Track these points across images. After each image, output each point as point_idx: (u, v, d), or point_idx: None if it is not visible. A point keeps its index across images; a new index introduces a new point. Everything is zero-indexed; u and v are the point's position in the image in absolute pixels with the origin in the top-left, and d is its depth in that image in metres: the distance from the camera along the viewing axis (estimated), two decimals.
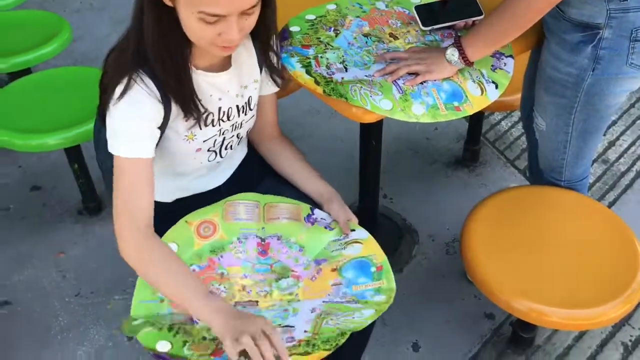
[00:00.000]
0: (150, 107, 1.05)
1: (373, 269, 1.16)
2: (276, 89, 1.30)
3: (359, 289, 1.13)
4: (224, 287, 1.13)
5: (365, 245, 1.20)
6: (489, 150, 2.34)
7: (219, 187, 1.34)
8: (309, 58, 1.31)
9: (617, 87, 1.29)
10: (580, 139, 1.41)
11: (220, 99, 1.16)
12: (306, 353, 0.99)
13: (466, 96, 1.23)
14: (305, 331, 1.03)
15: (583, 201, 1.48)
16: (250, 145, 1.45)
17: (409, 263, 1.92)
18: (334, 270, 1.17)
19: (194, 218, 1.22)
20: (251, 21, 1.03)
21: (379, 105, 1.19)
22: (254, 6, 1.00)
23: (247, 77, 1.20)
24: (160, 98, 1.05)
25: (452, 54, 1.24)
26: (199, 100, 1.11)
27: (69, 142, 1.75)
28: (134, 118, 1.04)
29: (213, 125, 1.18)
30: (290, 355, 0.97)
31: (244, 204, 1.26)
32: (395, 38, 1.38)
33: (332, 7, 1.50)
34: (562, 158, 1.47)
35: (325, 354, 1.00)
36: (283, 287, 1.15)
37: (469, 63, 1.25)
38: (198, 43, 1.04)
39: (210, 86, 1.14)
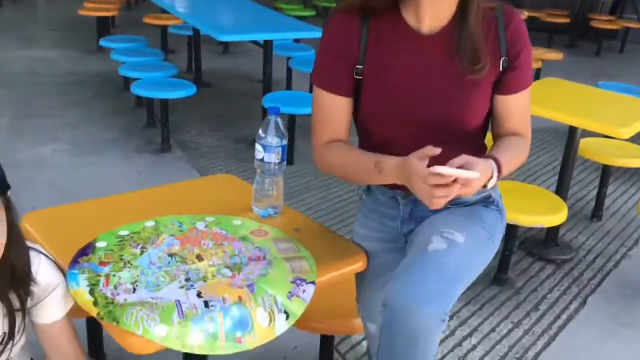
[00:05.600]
0: None
1: None
2: (61, 316, 1.20)
3: None
4: None
5: None
6: None
7: None
8: (99, 276, 1.25)
9: None
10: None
11: None
12: None
13: (252, 326, 1.18)
14: None
15: None
16: None
17: None
18: None
19: None
20: None
21: (152, 330, 1.11)
22: None
23: (10, 304, 1.11)
24: None
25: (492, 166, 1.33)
26: None
27: None
28: None
29: None
30: None
31: None
32: (201, 260, 1.36)
33: (150, 224, 1.48)
34: (462, 279, 1.35)
35: None
36: None
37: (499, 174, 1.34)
38: None
39: None
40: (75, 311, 1.23)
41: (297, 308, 1.25)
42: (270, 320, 1.20)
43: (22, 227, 1.46)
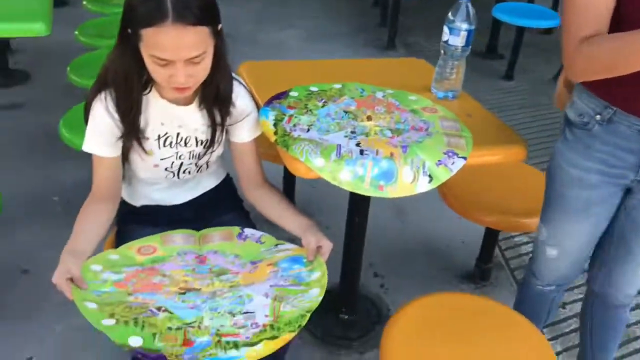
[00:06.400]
0: (105, 123, 1.27)
1: (305, 260, 1.31)
2: (250, 139, 1.46)
3: (294, 272, 1.26)
4: (167, 280, 1.25)
5: (296, 248, 1.34)
6: (504, 274, 2.30)
7: (181, 205, 1.50)
8: (284, 115, 1.49)
9: None
10: None
11: (180, 126, 1.35)
12: (274, 337, 1.07)
13: (396, 179, 1.32)
14: (266, 316, 1.13)
15: (513, 317, 1.45)
16: (231, 180, 1.64)
17: (372, 350, 1.95)
18: (269, 265, 1.30)
19: (133, 245, 1.35)
20: (201, 69, 1.20)
21: (312, 160, 1.33)
22: (198, 55, 1.16)
23: (213, 117, 1.36)
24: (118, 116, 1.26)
25: None
26: (162, 124, 1.32)
27: None
28: (94, 126, 1.28)
29: (171, 147, 1.36)
30: (260, 340, 1.06)
31: (180, 235, 1.40)
32: (369, 120, 1.53)
33: (337, 86, 1.69)
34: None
35: (291, 335, 1.08)
36: (223, 279, 1.27)
37: None
38: (155, 79, 1.22)
39: (171, 114, 1.33)
40: (276, 157, 1.50)
41: (442, 175, 1.36)
42: (414, 179, 1.34)
43: (238, 72, 1.78)
